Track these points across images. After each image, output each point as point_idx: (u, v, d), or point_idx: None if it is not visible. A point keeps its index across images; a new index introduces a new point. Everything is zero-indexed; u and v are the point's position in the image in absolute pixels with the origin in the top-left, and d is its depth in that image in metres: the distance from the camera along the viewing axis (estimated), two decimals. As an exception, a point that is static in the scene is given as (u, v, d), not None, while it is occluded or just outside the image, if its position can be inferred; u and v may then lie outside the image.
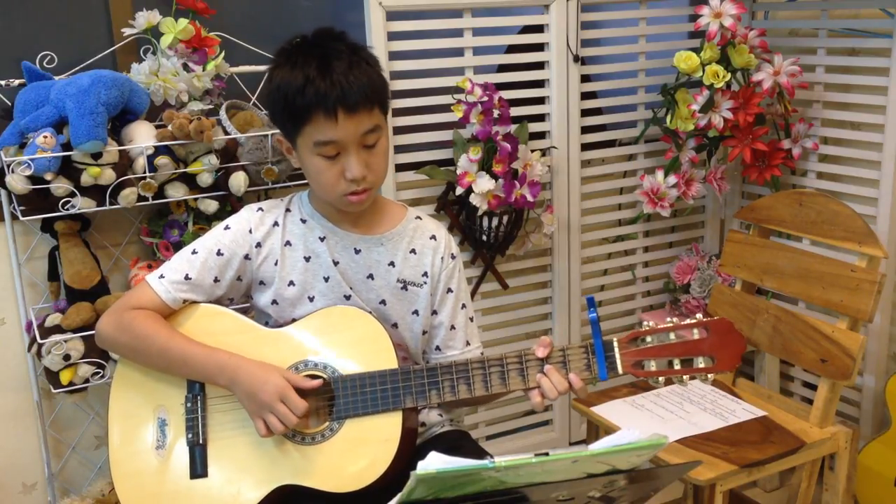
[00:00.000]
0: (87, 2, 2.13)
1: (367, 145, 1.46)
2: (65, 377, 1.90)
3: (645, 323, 1.46)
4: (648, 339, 1.44)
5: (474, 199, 2.19)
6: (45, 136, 1.77)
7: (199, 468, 1.48)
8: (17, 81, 1.92)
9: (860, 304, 1.86)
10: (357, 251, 1.57)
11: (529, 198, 2.22)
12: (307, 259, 1.56)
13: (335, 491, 1.42)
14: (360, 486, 1.41)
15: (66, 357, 1.88)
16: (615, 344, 1.44)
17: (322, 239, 1.56)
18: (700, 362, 1.44)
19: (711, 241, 2.77)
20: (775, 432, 1.91)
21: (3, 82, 1.92)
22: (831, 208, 1.96)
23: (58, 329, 1.91)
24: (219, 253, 1.54)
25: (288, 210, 1.59)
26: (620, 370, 1.43)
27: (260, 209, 1.59)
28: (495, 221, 2.28)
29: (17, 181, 1.77)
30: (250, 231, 1.56)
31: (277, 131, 1.61)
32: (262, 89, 1.53)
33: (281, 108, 1.46)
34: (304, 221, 1.58)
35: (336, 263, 1.56)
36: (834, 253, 2.00)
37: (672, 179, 2.45)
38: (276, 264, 1.56)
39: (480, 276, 2.43)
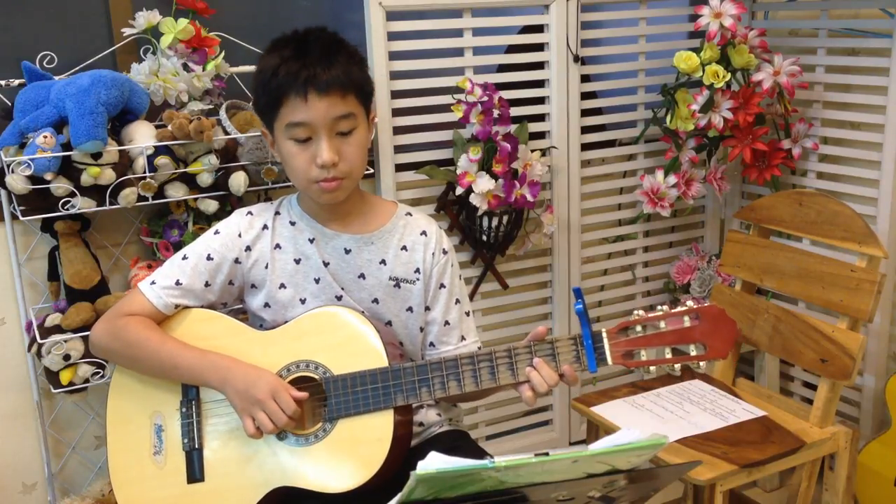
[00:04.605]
0: (87, 2, 2.13)
1: (341, 132, 1.47)
2: (65, 377, 1.90)
3: (635, 312, 1.44)
4: (638, 328, 1.43)
5: (474, 199, 2.19)
6: (45, 136, 1.77)
7: (196, 473, 1.49)
8: (17, 81, 1.92)
9: (860, 304, 1.86)
10: (347, 251, 1.57)
11: (529, 198, 2.22)
12: (297, 261, 1.56)
13: (331, 491, 1.42)
14: (355, 485, 1.42)
15: (66, 357, 1.88)
16: (604, 335, 1.43)
17: (311, 241, 1.56)
18: (692, 350, 1.43)
19: (711, 241, 2.77)
20: (775, 432, 1.91)
21: (3, 82, 1.92)
22: (831, 208, 1.96)
23: (58, 329, 1.91)
24: (209, 258, 1.54)
25: (277, 213, 1.59)
26: (610, 361, 1.42)
27: (249, 213, 1.59)
28: (495, 221, 2.28)
29: (17, 181, 1.77)
30: (239, 235, 1.56)
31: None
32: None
33: (260, 92, 1.49)
34: (293, 224, 1.58)
35: (326, 264, 1.56)
36: (834, 253, 2.00)
37: (672, 179, 2.45)
38: (266, 267, 1.56)
39: (480, 276, 2.43)
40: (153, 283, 1.53)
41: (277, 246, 1.57)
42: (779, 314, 2.06)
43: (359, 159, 1.50)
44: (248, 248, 1.56)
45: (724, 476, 1.76)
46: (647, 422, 1.94)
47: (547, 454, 1.09)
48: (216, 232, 1.57)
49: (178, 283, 1.53)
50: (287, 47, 1.46)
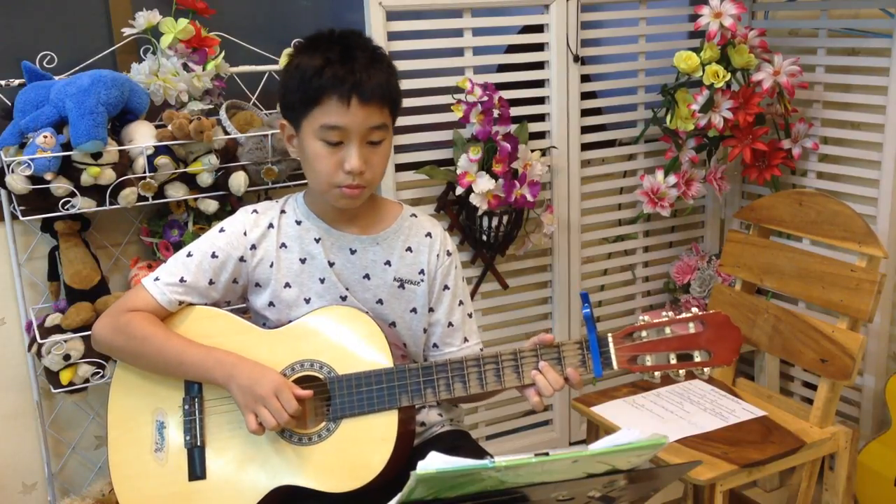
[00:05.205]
0: (87, 2, 2.13)
1: (372, 142, 1.47)
2: (65, 377, 1.90)
3: (640, 318, 1.45)
4: (644, 333, 1.43)
5: (474, 199, 2.19)
6: (45, 136, 1.77)
7: (197, 470, 1.48)
8: (17, 81, 1.92)
9: (860, 304, 1.86)
10: (353, 251, 1.57)
11: (529, 198, 2.22)
12: (302, 261, 1.56)
13: (333, 491, 1.42)
14: (358, 485, 1.41)
15: (66, 357, 1.88)
16: (610, 339, 1.43)
17: (317, 240, 1.56)
18: (696, 356, 1.43)
19: (711, 241, 2.77)
20: (775, 432, 1.91)
21: (3, 82, 1.92)
22: (831, 208, 1.96)
23: (58, 329, 1.91)
24: (213, 255, 1.54)
25: (283, 211, 1.59)
26: (615, 366, 1.43)
27: (255, 211, 1.59)
28: (495, 221, 2.28)
29: (17, 181, 1.77)
30: (245, 233, 1.56)
31: (277, 130, 1.62)
32: (280, 78, 1.53)
33: (295, 87, 1.46)
34: (299, 223, 1.58)
35: (332, 264, 1.56)
36: (834, 253, 2.00)
37: (672, 179, 2.45)
38: (271, 266, 1.56)
39: (480, 276, 2.43)
40: (157, 279, 1.53)
41: (283, 245, 1.57)
42: (779, 314, 2.06)
43: (382, 169, 1.51)
44: (254, 247, 1.56)
45: (724, 476, 1.76)
46: (647, 422, 1.94)
47: (547, 454, 1.09)
48: (221, 230, 1.57)
49: (182, 280, 1.53)
50: (332, 49, 1.45)
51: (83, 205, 1.83)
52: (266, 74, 2.14)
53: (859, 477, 2.24)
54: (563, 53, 2.39)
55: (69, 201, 1.82)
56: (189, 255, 1.55)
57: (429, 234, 1.61)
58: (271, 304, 1.57)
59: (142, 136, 1.89)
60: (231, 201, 2.02)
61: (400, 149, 2.29)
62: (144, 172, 1.87)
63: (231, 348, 1.49)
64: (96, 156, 1.81)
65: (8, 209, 1.95)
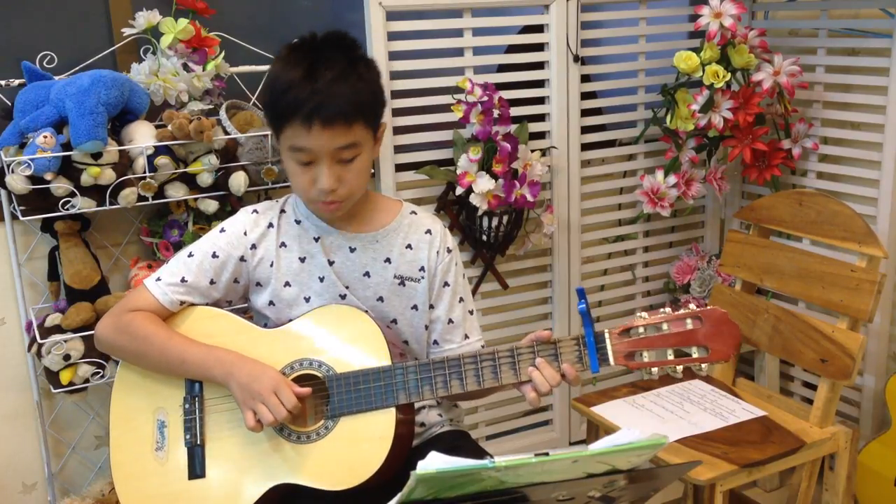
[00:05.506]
0: (87, 2, 2.13)
1: (343, 160, 1.46)
2: (65, 377, 1.90)
3: (638, 314, 1.45)
4: (641, 329, 1.43)
5: (474, 199, 2.19)
6: (45, 136, 1.77)
7: (197, 469, 1.49)
8: (17, 81, 1.92)
9: (860, 304, 1.86)
10: (352, 249, 1.57)
11: (529, 198, 2.22)
12: (302, 260, 1.56)
13: (331, 489, 1.43)
14: (356, 483, 1.41)
15: (66, 357, 1.88)
16: (607, 335, 1.43)
17: (317, 239, 1.57)
18: (694, 352, 1.43)
19: (711, 241, 2.77)
20: (775, 432, 1.91)
21: (3, 82, 1.92)
22: (831, 208, 1.96)
23: (58, 329, 1.91)
24: (214, 255, 1.55)
25: (283, 211, 1.60)
26: (612, 362, 1.42)
27: (255, 211, 1.60)
28: (495, 221, 2.28)
29: (17, 181, 1.77)
30: (245, 233, 1.56)
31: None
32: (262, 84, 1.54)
33: (268, 104, 1.49)
34: (298, 222, 1.58)
35: (331, 263, 1.56)
36: (834, 253, 2.00)
37: (672, 179, 2.45)
38: (271, 266, 1.56)
39: (480, 276, 2.43)
40: (159, 279, 1.54)
41: (283, 244, 1.57)
42: (779, 314, 2.06)
43: (359, 182, 1.51)
44: (254, 247, 1.57)
45: (724, 476, 1.76)
46: (647, 422, 1.94)
47: (547, 454, 1.09)
48: (222, 230, 1.58)
49: (183, 280, 1.53)
50: (300, 65, 1.42)
51: (83, 205, 1.83)
52: (266, 74, 2.14)
53: (859, 477, 2.24)
54: (563, 53, 2.39)
55: (69, 201, 1.82)
56: (190, 255, 1.56)
57: (428, 231, 1.62)
58: (271, 303, 1.57)
59: (142, 136, 1.89)
60: (231, 201, 2.02)
61: (400, 149, 2.29)
62: (144, 172, 1.87)
63: (232, 348, 1.49)
64: (96, 156, 1.81)
65: (8, 209, 1.95)
